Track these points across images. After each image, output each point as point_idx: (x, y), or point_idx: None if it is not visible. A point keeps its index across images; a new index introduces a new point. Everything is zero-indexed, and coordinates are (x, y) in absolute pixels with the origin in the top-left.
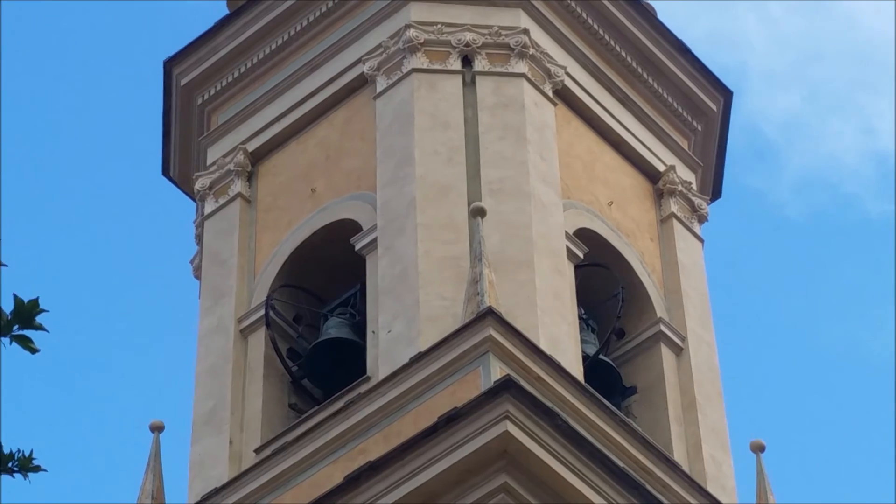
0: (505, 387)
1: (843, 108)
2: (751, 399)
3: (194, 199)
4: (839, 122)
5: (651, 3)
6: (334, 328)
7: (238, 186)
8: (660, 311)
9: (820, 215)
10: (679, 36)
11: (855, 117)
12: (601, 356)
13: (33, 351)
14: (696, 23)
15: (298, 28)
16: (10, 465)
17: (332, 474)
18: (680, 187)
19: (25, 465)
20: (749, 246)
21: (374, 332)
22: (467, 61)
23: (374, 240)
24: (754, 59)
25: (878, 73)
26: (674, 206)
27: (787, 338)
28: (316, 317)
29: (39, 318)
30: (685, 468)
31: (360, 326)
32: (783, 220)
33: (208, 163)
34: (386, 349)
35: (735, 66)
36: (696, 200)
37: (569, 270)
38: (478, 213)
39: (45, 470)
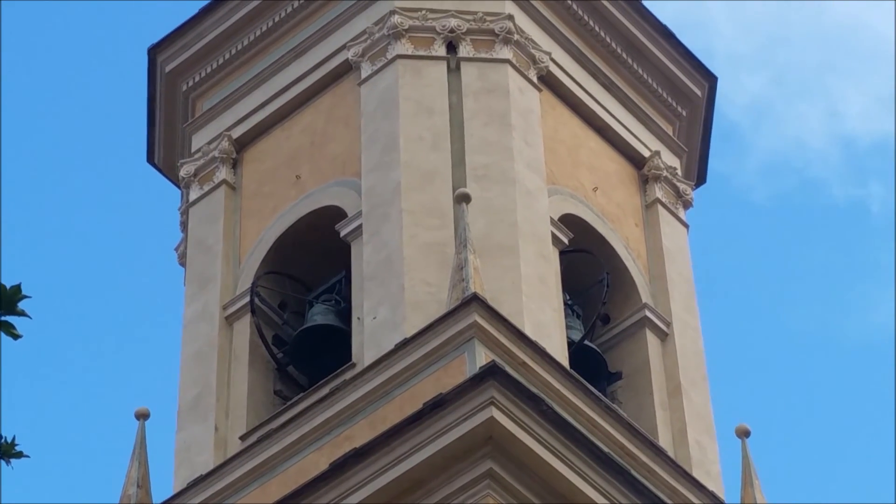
0: (490, 373)
1: (810, 91)
2: (736, 384)
3: (179, 186)
4: (805, 105)
5: None
6: (319, 315)
7: (223, 173)
8: (645, 297)
9: (785, 199)
10: None
11: (821, 101)
12: (586, 342)
13: (16, 337)
14: (662, 5)
15: (283, 14)
16: None
17: (317, 461)
18: (665, 173)
19: (8, 452)
20: (716, 230)
21: (359, 318)
22: (452, 47)
23: (359, 226)
24: (720, 43)
25: (845, 56)
26: (659, 191)
27: (764, 323)
28: (301, 303)
29: (22, 304)
30: (670, 453)
31: (345, 313)
32: (749, 205)
33: (193, 150)
34: (371, 335)
35: (701, 50)
36: (681, 186)
37: (554, 256)
38: (463, 198)
39: (27, 456)
